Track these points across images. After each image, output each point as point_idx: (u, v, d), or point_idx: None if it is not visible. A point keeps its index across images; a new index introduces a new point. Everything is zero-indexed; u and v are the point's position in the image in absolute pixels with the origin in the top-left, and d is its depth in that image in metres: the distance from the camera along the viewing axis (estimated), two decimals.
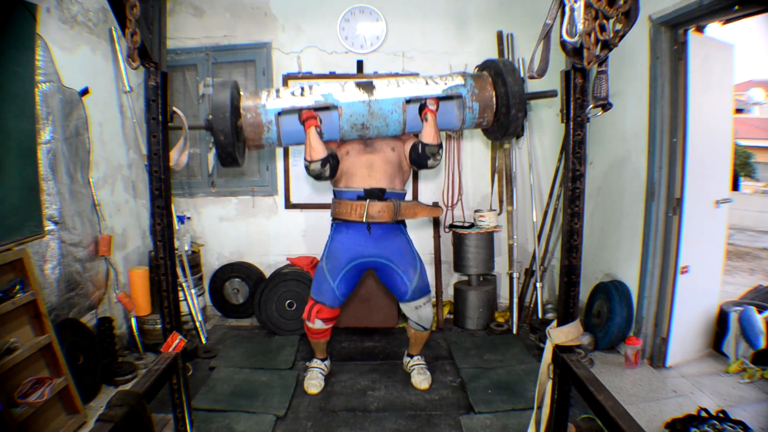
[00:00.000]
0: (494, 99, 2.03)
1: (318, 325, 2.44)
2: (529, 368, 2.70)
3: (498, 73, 2.01)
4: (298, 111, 2.04)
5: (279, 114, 2.01)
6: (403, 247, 2.42)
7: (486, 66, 2.16)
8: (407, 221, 2.55)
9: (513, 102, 1.93)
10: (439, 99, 2.07)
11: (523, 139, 3.52)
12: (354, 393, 2.52)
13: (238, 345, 3.09)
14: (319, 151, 2.13)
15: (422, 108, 2.09)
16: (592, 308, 3.09)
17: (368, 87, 2.04)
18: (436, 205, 2.48)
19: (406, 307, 2.46)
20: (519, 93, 1.93)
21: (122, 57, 3.00)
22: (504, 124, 2.02)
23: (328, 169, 2.21)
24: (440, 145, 2.20)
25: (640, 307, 2.81)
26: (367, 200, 2.30)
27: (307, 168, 2.20)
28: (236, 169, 3.68)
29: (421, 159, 2.25)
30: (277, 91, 2.06)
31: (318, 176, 2.22)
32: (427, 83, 2.08)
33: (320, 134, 2.10)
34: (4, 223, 2.09)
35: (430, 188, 3.63)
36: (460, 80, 2.07)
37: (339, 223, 2.44)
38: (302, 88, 2.06)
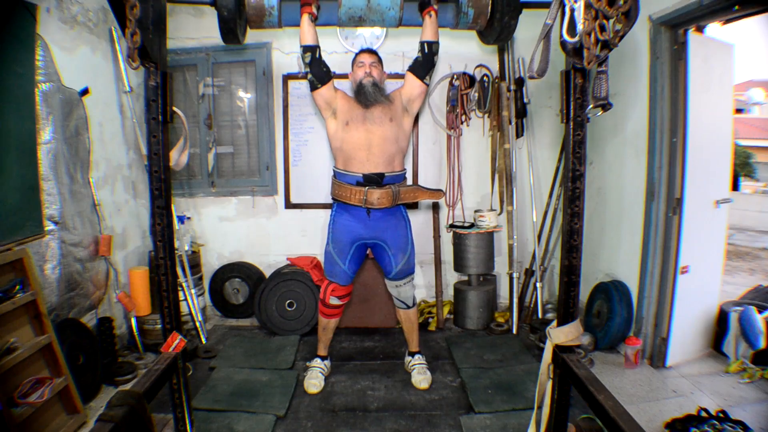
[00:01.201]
0: (489, 7, 2.08)
1: (334, 301, 2.56)
2: (529, 368, 2.70)
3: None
4: None
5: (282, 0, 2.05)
6: (399, 232, 2.50)
7: None
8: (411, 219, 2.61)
9: (507, 10, 2.00)
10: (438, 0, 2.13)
11: (523, 139, 3.52)
12: (354, 393, 2.52)
13: (238, 345, 3.09)
14: (307, 38, 2.20)
15: (423, 7, 2.14)
16: (592, 308, 3.09)
17: None
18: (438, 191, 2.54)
19: (389, 284, 2.61)
20: (513, 1, 2.00)
21: (122, 57, 3.00)
22: (497, 29, 2.10)
23: (309, 56, 2.26)
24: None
25: (640, 307, 2.81)
26: (366, 187, 2.36)
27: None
28: (236, 169, 3.68)
29: (428, 57, 2.33)
30: None
31: (302, 58, 2.30)
32: None
33: (314, 21, 2.15)
34: (4, 223, 2.09)
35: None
36: None
37: (339, 204, 2.50)
38: None
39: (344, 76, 3.44)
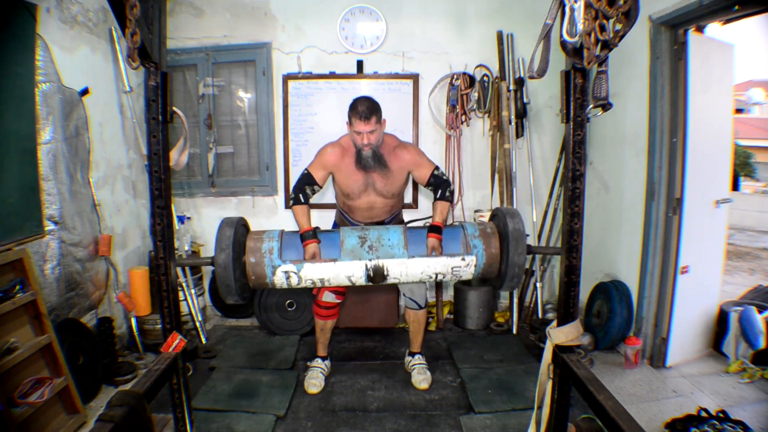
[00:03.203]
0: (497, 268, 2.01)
1: (328, 297, 2.54)
2: (529, 368, 2.70)
3: (504, 247, 1.97)
4: (300, 237, 2.06)
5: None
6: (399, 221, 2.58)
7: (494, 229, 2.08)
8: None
9: (510, 275, 1.92)
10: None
11: (523, 139, 3.52)
12: (354, 393, 2.52)
13: (238, 345, 3.09)
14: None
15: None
16: (592, 308, 3.09)
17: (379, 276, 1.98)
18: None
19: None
20: (518, 274, 1.92)
21: (122, 57, 3.00)
22: (497, 287, 2.06)
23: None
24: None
25: (640, 307, 2.81)
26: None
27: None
28: (236, 169, 3.69)
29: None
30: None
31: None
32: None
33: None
34: (4, 223, 2.09)
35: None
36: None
37: None
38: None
39: (344, 76, 3.48)
